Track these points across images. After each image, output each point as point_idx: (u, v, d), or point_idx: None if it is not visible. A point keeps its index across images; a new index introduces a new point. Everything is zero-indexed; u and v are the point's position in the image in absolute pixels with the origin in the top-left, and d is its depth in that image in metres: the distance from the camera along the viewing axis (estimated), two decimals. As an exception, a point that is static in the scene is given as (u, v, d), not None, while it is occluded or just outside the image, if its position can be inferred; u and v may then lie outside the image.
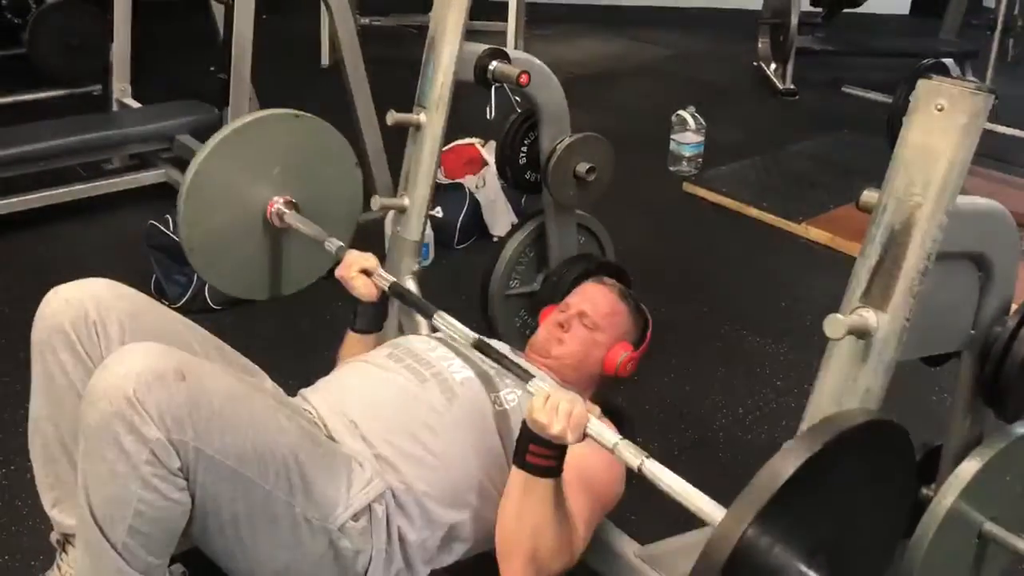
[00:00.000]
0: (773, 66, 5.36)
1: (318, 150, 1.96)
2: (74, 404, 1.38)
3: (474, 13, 1.98)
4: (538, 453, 1.33)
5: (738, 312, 2.87)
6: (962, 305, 1.34)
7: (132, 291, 1.52)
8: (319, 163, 1.97)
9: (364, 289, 1.72)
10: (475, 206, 3.26)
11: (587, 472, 1.47)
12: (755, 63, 5.54)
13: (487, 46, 1.97)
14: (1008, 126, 3.81)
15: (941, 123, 1.13)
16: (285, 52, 4.79)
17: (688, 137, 3.99)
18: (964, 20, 5.13)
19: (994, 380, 1.34)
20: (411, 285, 2.00)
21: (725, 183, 3.82)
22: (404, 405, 1.50)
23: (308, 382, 1.63)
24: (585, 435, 1.29)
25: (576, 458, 1.39)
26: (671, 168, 4.03)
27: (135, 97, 3.76)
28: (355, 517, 1.36)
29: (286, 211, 1.89)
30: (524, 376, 1.41)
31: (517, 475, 1.36)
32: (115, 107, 3.80)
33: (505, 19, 4.61)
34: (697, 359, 2.63)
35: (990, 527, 1.36)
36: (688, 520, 1.97)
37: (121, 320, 1.44)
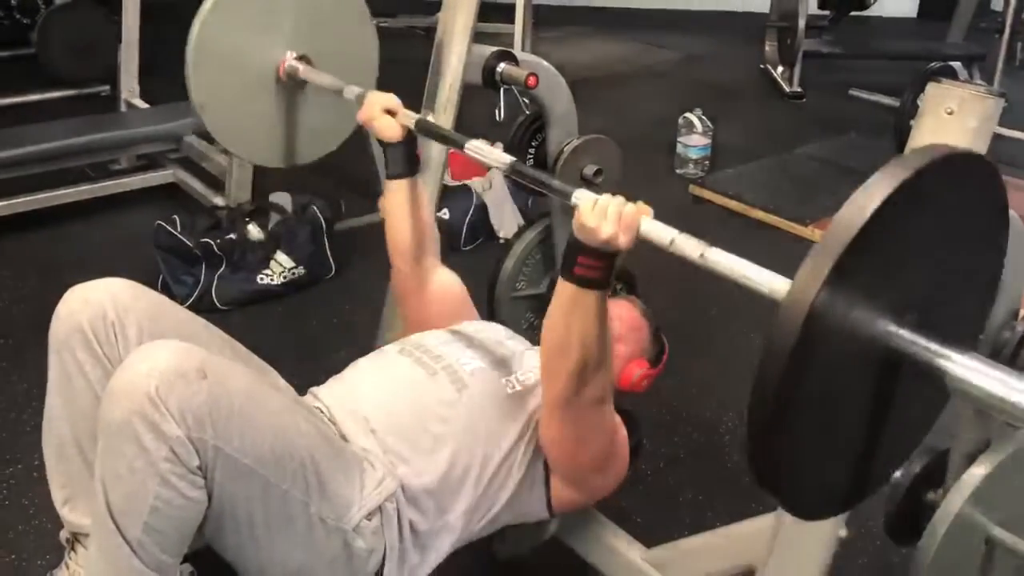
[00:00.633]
0: (780, 69, 5.36)
1: (330, 4, 1.90)
2: (90, 403, 1.38)
3: (482, 15, 1.97)
4: (586, 264, 1.26)
5: (745, 314, 2.87)
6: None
7: (150, 291, 1.51)
8: (332, 18, 1.90)
9: (389, 131, 1.65)
10: (482, 208, 3.27)
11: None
12: (762, 66, 5.55)
13: (495, 48, 1.97)
14: (1015, 129, 3.81)
15: (951, 126, 1.13)
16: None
17: (695, 139, 4.00)
18: (972, 23, 5.12)
19: (1002, 384, 1.33)
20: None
21: (732, 186, 3.82)
22: (415, 397, 1.51)
23: (316, 382, 1.63)
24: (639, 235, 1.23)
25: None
26: (678, 170, 4.03)
27: (143, 98, 3.78)
28: (368, 516, 1.36)
29: (299, 66, 1.84)
30: (565, 193, 1.32)
31: (565, 288, 1.30)
32: (123, 108, 3.82)
33: (513, 21, 4.62)
34: (703, 361, 2.63)
35: (998, 532, 1.35)
36: (695, 523, 1.98)
37: (139, 321, 1.44)
